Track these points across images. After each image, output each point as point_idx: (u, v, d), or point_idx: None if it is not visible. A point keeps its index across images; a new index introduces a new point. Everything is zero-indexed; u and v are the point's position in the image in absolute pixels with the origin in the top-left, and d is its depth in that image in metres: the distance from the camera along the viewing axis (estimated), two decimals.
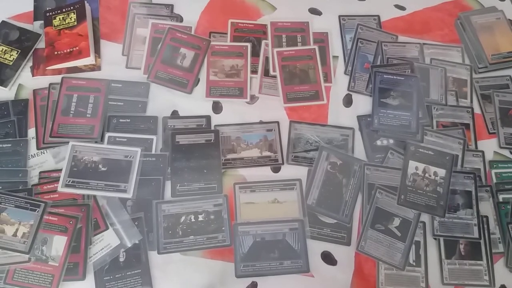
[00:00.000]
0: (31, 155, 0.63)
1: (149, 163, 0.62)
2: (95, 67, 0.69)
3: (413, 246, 0.59)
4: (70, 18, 0.70)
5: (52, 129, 0.63)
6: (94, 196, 0.60)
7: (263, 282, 0.57)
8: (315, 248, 0.60)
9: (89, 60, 0.68)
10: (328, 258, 0.59)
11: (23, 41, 0.70)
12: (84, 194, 0.60)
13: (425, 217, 0.61)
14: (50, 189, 0.60)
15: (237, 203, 0.61)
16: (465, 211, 0.61)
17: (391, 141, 0.66)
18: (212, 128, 0.66)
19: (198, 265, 0.58)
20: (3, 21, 0.71)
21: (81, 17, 0.70)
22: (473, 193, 0.62)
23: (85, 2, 0.72)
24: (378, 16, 0.77)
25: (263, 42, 0.72)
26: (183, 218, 0.60)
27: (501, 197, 0.63)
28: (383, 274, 0.58)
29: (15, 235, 0.56)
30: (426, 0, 0.79)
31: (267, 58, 0.71)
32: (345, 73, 0.72)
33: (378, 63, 0.72)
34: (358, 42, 0.73)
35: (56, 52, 0.68)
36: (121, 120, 0.65)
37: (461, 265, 0.59)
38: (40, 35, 0.70)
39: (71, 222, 0.57)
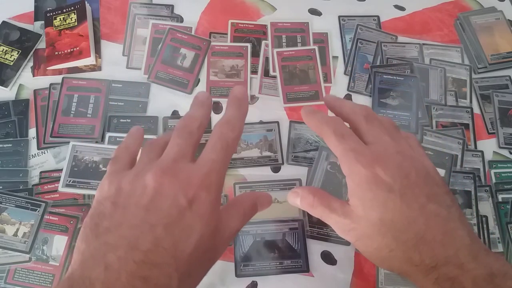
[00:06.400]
0: (32, 155, 0.63)
1: None
2: (96, 67, 0.70)
3: None
4: (71, 19, 0.70)
5: (52, 129, 0.64)
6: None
7: (263, 281, 0.57)
8: (315, 248, 0.60)
9: (90, 60, 0.68)
10: (328, 258, 0.59)
11: (23, 42, 0.70)
12: (84, 194, 0.60)
13: None
14: (50, 189, 0.60)
15: None
16: (464, 210, 0.61)
17: None
18: (212, 128, 0.66)
19: None
20: (3, 22, 0.71)
21: (81, 18, 0.70)
22: (473, 193, 0.62)
23: (86, 2, 0.72)
24: (378, 16, 0.77)
25: (263, 42, 0.73)
26: None
27: (500, 197, 0.63)
28: (382, 274, 0.58)
29: (15, 235, 0.56)
30: (425, 0, 0.80)
31: (267, 59, 0.71)
32: (344, 73, 0.72)
33: (378, 63, 0.72)
34: (358, 42, 0.73)
35: (56, 52, 0.68)
36: (121, 120, 0.65)
37: None
38: (41, 35, 0.70)
39: (71, 222, 0.57)
